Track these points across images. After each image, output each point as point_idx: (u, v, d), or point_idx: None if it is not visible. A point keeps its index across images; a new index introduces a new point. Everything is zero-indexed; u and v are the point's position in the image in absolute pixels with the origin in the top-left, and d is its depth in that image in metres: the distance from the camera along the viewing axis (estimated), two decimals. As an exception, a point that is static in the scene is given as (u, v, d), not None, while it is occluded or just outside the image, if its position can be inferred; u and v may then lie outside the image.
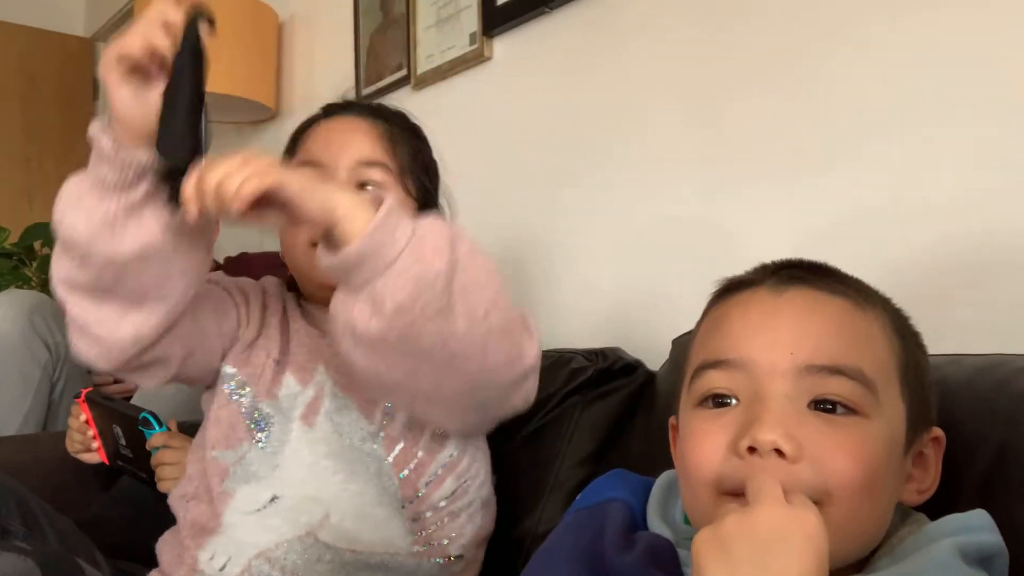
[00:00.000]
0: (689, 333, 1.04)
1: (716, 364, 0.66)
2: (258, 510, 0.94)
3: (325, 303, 1.01)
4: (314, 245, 0.98)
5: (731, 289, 0.72)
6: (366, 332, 0.79)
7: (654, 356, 1.11)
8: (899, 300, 0.71)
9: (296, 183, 0.78)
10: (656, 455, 0.95)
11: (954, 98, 0.99)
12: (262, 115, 2.33)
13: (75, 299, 0.89)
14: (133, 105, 0.84)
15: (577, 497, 0.80)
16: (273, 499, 0.94)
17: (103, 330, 0.89)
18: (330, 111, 1.11)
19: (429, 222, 0.80)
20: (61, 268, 0.89)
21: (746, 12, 1.22)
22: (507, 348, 0.86)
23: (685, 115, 1.29)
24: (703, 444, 0.64)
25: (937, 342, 0.73)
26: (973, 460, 0.71)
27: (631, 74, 1.37)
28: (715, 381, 0.66)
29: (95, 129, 0.86)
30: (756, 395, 0.63)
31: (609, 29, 1.42)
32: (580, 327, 1.35)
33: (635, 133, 1.36)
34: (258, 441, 0.97)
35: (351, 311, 0.79)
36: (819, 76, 1.12)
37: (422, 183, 1.08)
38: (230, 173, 0.77)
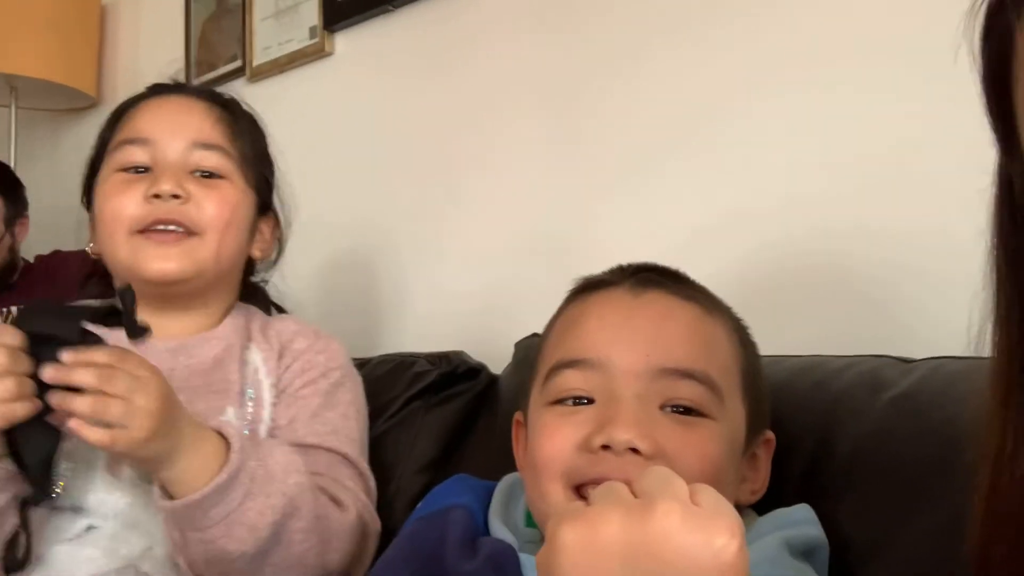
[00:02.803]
0: (533, 336, 1.06)
1: (573, 363, 0.67)
2: (70, 540, 0.86)
3: (157, 299, 0.95)
4: (139, 233, 0.93)
5: (588, 288, 0.72)
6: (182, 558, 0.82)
7: (497, 360, 1.11)
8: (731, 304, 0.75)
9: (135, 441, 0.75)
10: (498, 460, 0.94)
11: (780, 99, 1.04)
12: (81, 103, 2.18)
13: None
14: None
15: (418, 505, 0.78)
16: (89, 528, 0.87)
17: None
18: (159, 90, 1.02)
19: (277, 481, 0.81)
20: None
21: (590, 13, 1.24)
22: (348, 561, 0.88)
23: (531, 118, 1.30)
24: (554, 439, 0.65)
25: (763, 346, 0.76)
26: (793, 457, 0.74)
27: (478, 75, 1.37)
28: (571, 381, 0.66)
29: None
30: (611, 395, 0.64)
31: (455, 28, 1.41)
32: (424, 331, 1.34)
33: (481, 135, 1.35)
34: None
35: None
36: (664, 74, 1.15)
37: (262, 175, 1.02)
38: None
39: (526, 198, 1.29)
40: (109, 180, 0.97)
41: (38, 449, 0.76)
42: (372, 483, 0.96)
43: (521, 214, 1.29)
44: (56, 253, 1.94)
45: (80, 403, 0.73)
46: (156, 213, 0.93)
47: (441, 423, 1.05)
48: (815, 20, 1.03)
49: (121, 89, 2.12)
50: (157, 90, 1.02)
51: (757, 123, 1.06)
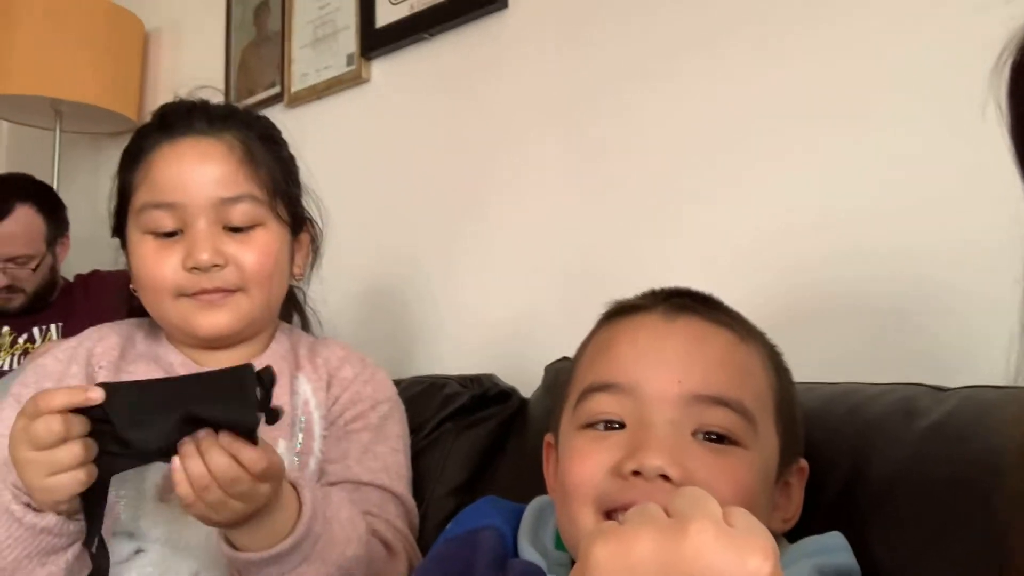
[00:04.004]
0: (563, 359, 1.06)
1: (604, 387, 0.67)
2: (118, 563, 0.86)
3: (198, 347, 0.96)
4: (183, 295, 0.93)
5: (621, 312, 0.72)
6: None
7: (527, 383, 1.11)
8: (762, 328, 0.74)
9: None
10: (528, 483, 0.94)
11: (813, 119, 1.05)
12: (123, 126, 2.22)
13: None
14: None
15: (447, 526, 0.79)
16: (137, 552, 0.87)
17: None
18: (170, 125, 0.96)
19: (337, 549, 0.79)
20: None
21: (619, 35, 1.25)
22: None
23: (561, 142, 1.31)
24: (585, 463, 0.65)
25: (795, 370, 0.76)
26: (826, 483, 0.74)
27: (509, 100, 1.39)
28: (603, 405, 0.66)
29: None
30: (642, 420, 0.64)
31: (487, 56, 1.43)
32: (454, 353, 1.35)
33: (511, 160, 1.37)
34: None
35: None
36: (693, 97, 1.16)
37: (291, 196, 1.00)
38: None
39: (556, 222, 1.30)
40: (142, 243, 0.95)
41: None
42: (416, 519, 0.96)
43: (551, 238, 1.30)
44: (95, 273, 1.97)
45: (183, 489, 0.70)
46: (200, 283, 0.92)
47: (471, 445, 1.06)
48: (850, 49, 1.03)
49: (162, 114, 2.16)
50: (169, 124, 0.96)
51: (789, 145, 1.06)
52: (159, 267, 0.94)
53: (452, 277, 1.42)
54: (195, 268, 0.92)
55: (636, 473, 0.62)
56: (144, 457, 0.72)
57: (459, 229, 1.43)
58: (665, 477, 0.61)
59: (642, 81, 1.22)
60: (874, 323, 0.98)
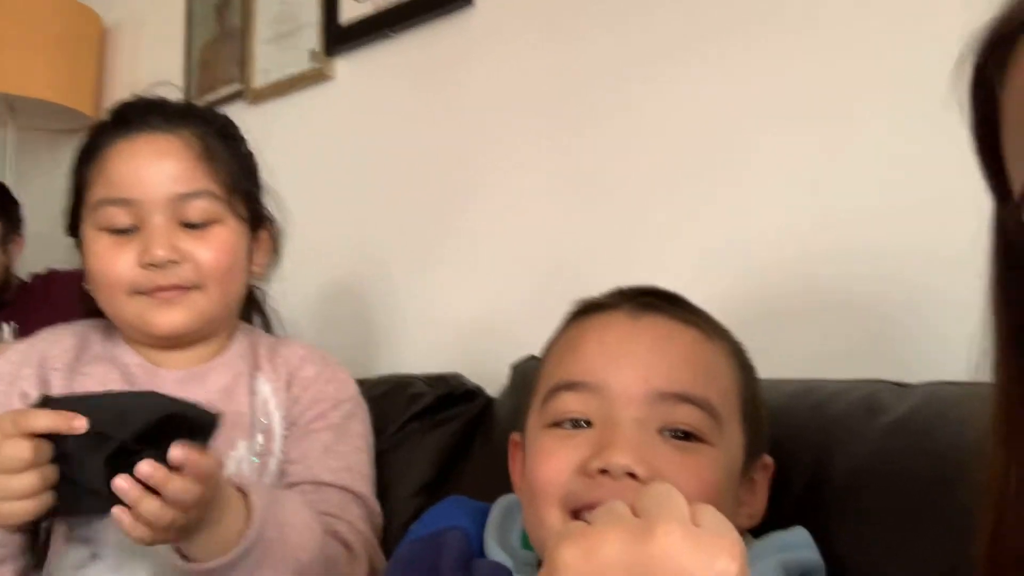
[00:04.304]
0: (530, 358, 1.06)
1: (571, 386, 0.66)
2: (74, 568, 0.85)
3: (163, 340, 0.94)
4: (139, 293, 0.92)
5: (588, 311, 0.72)
6: None
7: (493, 382, 1.11)
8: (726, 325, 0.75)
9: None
10: (494, 482, 0.93)
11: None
12: (80, 123, 2.18)
13: None
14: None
15: (411, 527, 0.78)
16: (93, 556, 0.85)
17: None
18: (126, 121, 0.95)
19: (291, 551, 0.78)
20: None
21: (593, 33, 1.24)
22: None
23: (531, 140, 1.30)
24: (551, 462, 0.64)
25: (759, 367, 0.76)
26: (790, 479, 0.75)
27: (478, 99, 1.38)
28: (570, 404, 0.66)
29: None
30: (609, 419, 0.64)
31: (454, 53, 1.42)
32: (420, 353, 1.34)
33: (477, 158, 1.36)
34: None
35: None
36: (665, 98, 1.16)
37: (249, 193, 0.99)
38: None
39: (523, 220, 1.29)
40: (96, 240, 0.93)
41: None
42: (380, 519, 0.95)
43: (518, 237, 1.30)
44: (52, 273, 1.93)
45: (148, 507, 0.68)
46: (155, 280, 0.91)
47: (437, 445, 1.05)
48: (825, 53, 1.03)
49: (121, 110, 2.13)
50: (125, 120, 0.95)
51: (757, 149, 1.07)
52: (113, 264, 0.92)
53: (418, 276, 1.41)
54: (151, 264, 0.91)
55: (603, 471, 0.62)
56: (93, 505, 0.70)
57: (425, 228, 1.42)
58: (632, 475, 0.61)
59: (614, 78, 1.21)
60: (838, 320, 0.99)
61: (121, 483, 0.67)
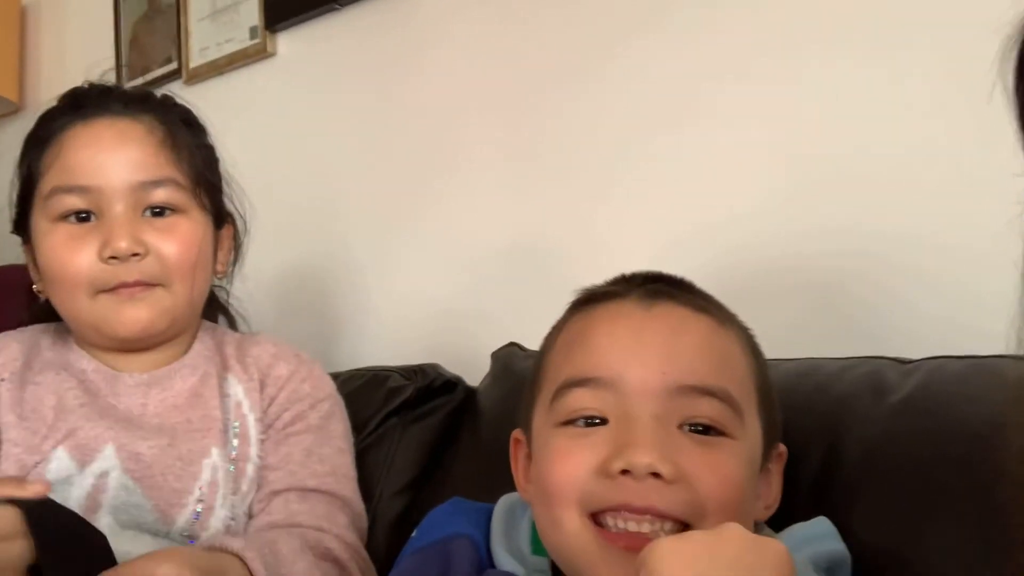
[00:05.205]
0: (511, 345, 1.03)
1: (583, 382, 0.63)
2: None
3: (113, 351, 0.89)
4: (101, 292, 0.86)
5: (593, 300, 0.69)
6: None
7: (472, 371, 1.07)
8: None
9: None
10: (482, 477, 0.91)
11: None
12: (3, 109, 2.06)
13: None
14: None
15: (414, 533, 0.74)
16: None
17: None
18: (82, 105, 0.90)
19: None
20: None
21: (550, 10, 1.20)
22: None
23: (494, 123, 1.26)
24: (567, 463, 0.61)
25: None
26: (801, 465, 0.73)
27: (433, 75, 1.33)
28: (582, 401, 0.63)
29: None
30: (626, 415, 0.61)
31: (406, 27, 1.36)
32: (393, 343, 1.29)
33: (444, 139, 1.31)
34: None
35: None
36: (631, 73, 1.13)
37: (213, 185, 0.94)
38: None
39: (493, 202, 1.25)
40: (51, 233, 0.87)
41: None
42: (365, 522, 0.92)
43: (488, 219, 1.25)
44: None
45: None
46: (118, 275, 0.85)
47: (420, 440, 1.01)
48: (792, 13, 1.01)
49: (46, 94, 2.00)
50: (80, 105, 0.90)
51: (741, 121, 1.04)
52: (72, 258, 0.86)
53: (384, 262, 1.36)
54: (113, 258, 0.85)
55: (625, 472, 0.59)
56: None
57: (389, 211, 1.37)
58: (655, 475, 0.58)
59: (580, 58, 1.17)
60: (817, 298, 0.97)
61: None
